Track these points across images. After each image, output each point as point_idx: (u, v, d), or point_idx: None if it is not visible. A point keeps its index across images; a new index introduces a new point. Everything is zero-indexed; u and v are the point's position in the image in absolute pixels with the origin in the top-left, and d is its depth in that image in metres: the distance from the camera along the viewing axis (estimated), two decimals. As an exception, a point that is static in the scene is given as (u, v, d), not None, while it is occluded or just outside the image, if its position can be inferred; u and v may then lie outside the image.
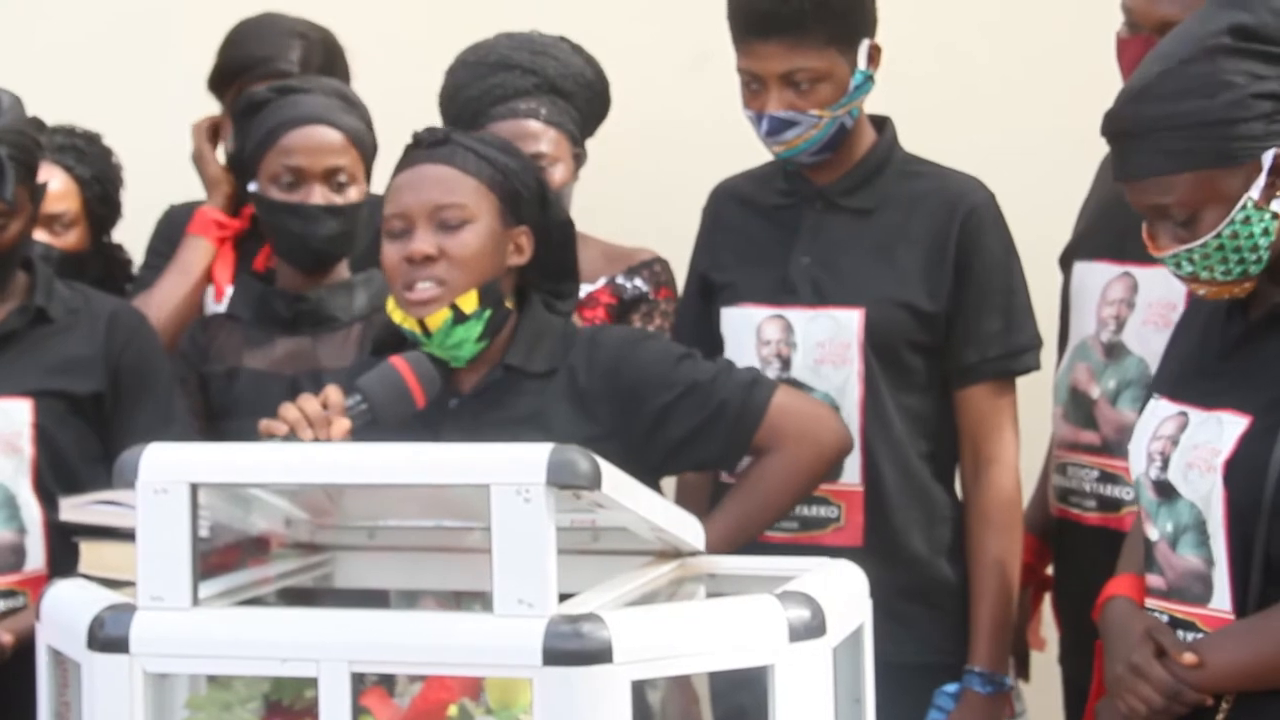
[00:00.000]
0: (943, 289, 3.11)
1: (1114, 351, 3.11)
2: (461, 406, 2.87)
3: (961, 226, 3.12)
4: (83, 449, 3.14)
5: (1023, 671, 3.34)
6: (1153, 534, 2.62)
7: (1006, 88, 3.89)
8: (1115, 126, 2.58)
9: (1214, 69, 2.48)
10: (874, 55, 3.10)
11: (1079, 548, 3.17)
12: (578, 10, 4.06)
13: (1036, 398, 3.27)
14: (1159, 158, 2.51)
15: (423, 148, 2.87)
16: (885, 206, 3.15)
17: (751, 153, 3.23)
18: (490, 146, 2.90)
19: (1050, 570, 3.34)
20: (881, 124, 3.22)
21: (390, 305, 2.86)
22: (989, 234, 3.14)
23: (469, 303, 2.82)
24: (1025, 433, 3.25)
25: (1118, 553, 2.94)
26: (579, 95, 3.43)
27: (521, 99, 3.37)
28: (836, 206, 3.15)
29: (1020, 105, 3.85)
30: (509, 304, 2.89)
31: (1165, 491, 2.59)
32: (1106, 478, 3.09)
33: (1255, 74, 2.47)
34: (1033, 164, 3.45)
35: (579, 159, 3.41)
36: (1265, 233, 2.50)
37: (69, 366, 3.16)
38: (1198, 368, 2.65)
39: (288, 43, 3.66)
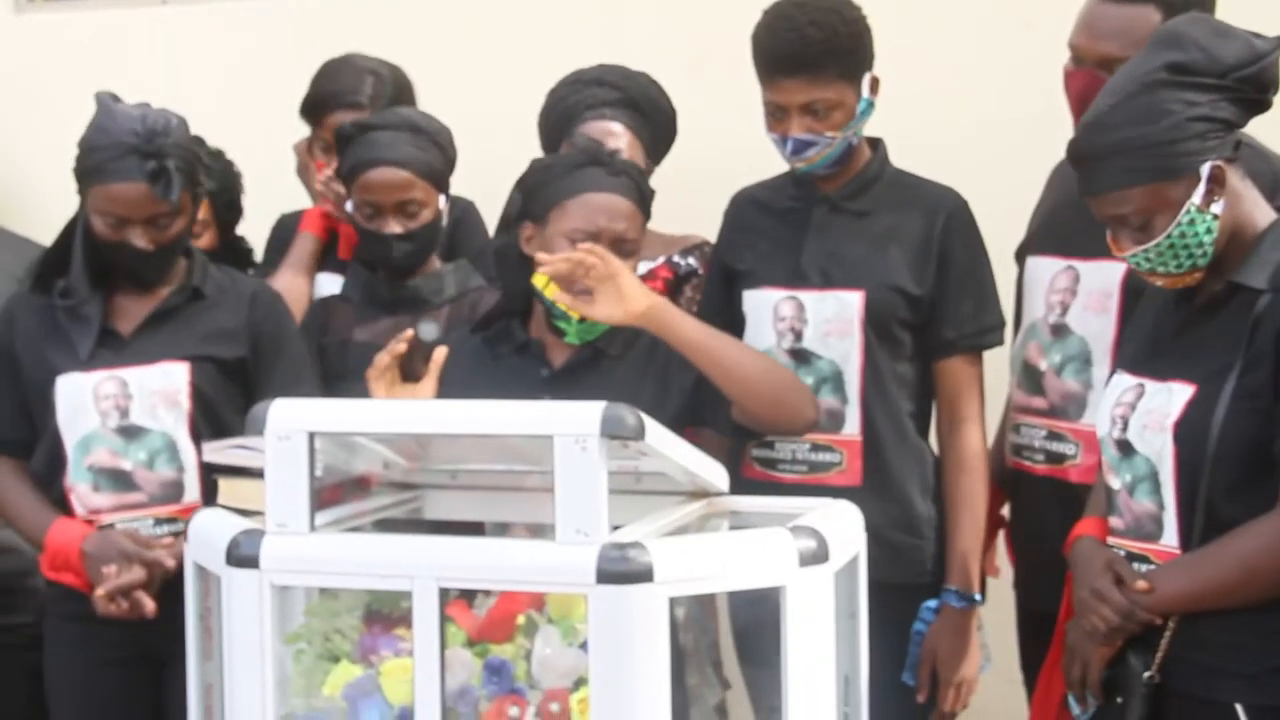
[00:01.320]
0: (927, 277, 3.08)
1: (1059, 332, 3.07)
2: (554, 377, 2.90)
3: (943, 227, 3.10)
4: (229, 403, 3.12)
5: (980, 594, 3.33)
6: (1114, 484, 2.61)
7: (977, 118, 3.86)
8: (1077, 152, 2.57)
9: (1154, 99, 2.47)
10: (874, 85, 3.09)
11: (1030, 494, 3.14)
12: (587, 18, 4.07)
13: (996, 369, 3.25)
14: (1115, 176, 2.50)
15: (604, 171, 2.88)
16: (879, 210, 3.12)
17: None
18: (644, 179, 2.95)
19: (1005, 512, 3.33)
20: (875, 143, 3.20)
21: (543, 282, 2.84)
22: (964, 233, 3.12)
23: None
24: (987, 397, 3.25)
25: (1063, 498, 2.97)
26: (654, 117, 3.41)
27: (609, 107, 3.35)
28: (840, 209, 3.13)
29: (986, 132, 3.83)
30: None
31: (1125, 449, 2.57)
32: (1053, 436, 3.06)
33: (1189, 101, 2.46)
34: (995, 178, 3.42)
35: (648, 169, 3.38)
36: (1208, 231, 2.49)
37: (218, 336, 3.15)
38: (1152, 347, 2.63)
39: (361, 79, 3.61)
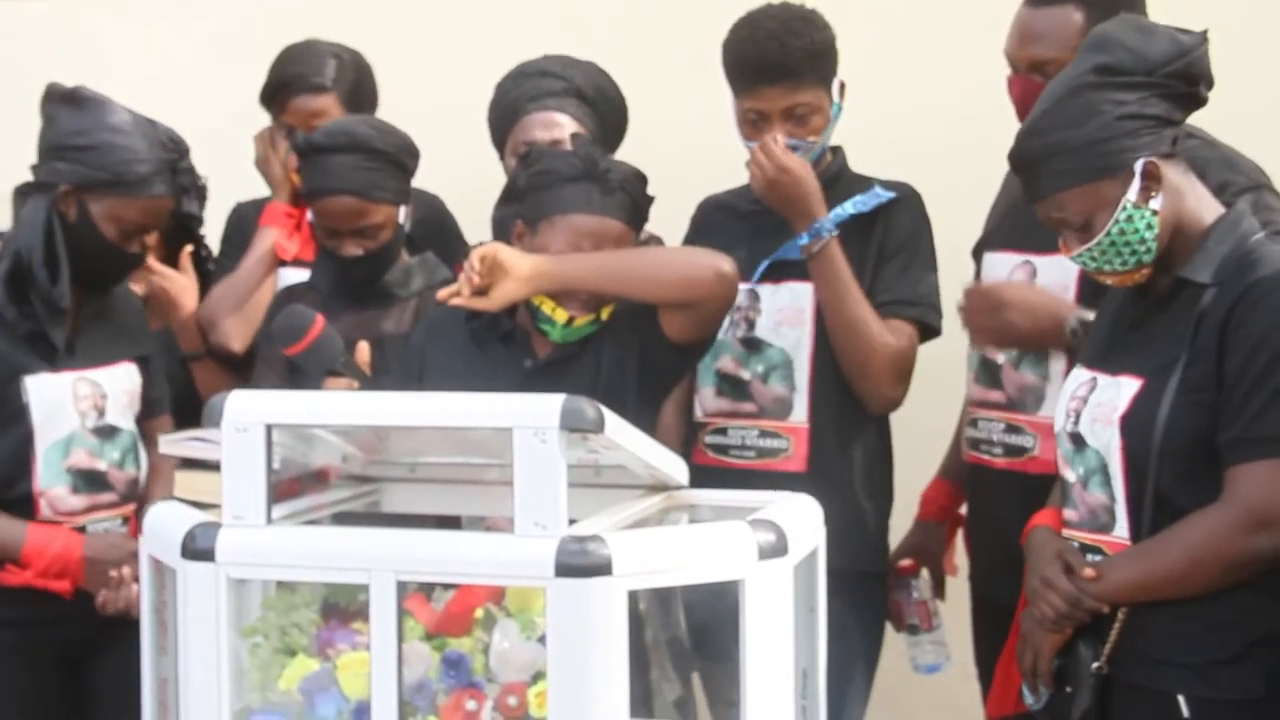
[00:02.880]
0: (868, 264, 3.11)
1: (1017, 326, 3.06)
2: (537, 369, 2.91)
3: (886, 210, 3.14)
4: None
5: (940, 592, 3.31)
6: (1069, 476, 2.60)
7: (934, 117, 3.85)
8: (1016, 160, 2.58)
9: (1082, 101, 2.47)
10: (842, 90, 3.14)
11: (987, 487, 3.13)
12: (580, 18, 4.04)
13: (955, 367, 3.22)
14: (1051, 179, 2.50)
15: (598, 189, 2.88)
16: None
17: (745, 150, 3.18)
18: (640, 190, 2.96)
19: (963, 511, 3.31)
20: (834, 149, 3.23)
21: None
22: (903, 212, 3.15)
23: (606, 312, 2.91)
24: (942, 396, 3.25)
25: (1022, 490, 2.95)
26: (601, 104, 3.39)
27: (552, 98, 3.33)
28: None
29: (943, 130, 3.81)
30: None
31: (1078, 442, 2.57)
32: (1012, 429, 3.04)
33: (1117, 100, 2.46)
34: (951, 176, 3.41)
35: None
36: (1149, 227, 2.48)
37: (136, 335, 3.15)
38: (1107, 343, 2.62)
39: (323, 62, 3.56)
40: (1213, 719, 2.43)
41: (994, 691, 2.81)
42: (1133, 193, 2.46)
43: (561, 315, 2.87)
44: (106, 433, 3.02)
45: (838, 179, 3.18)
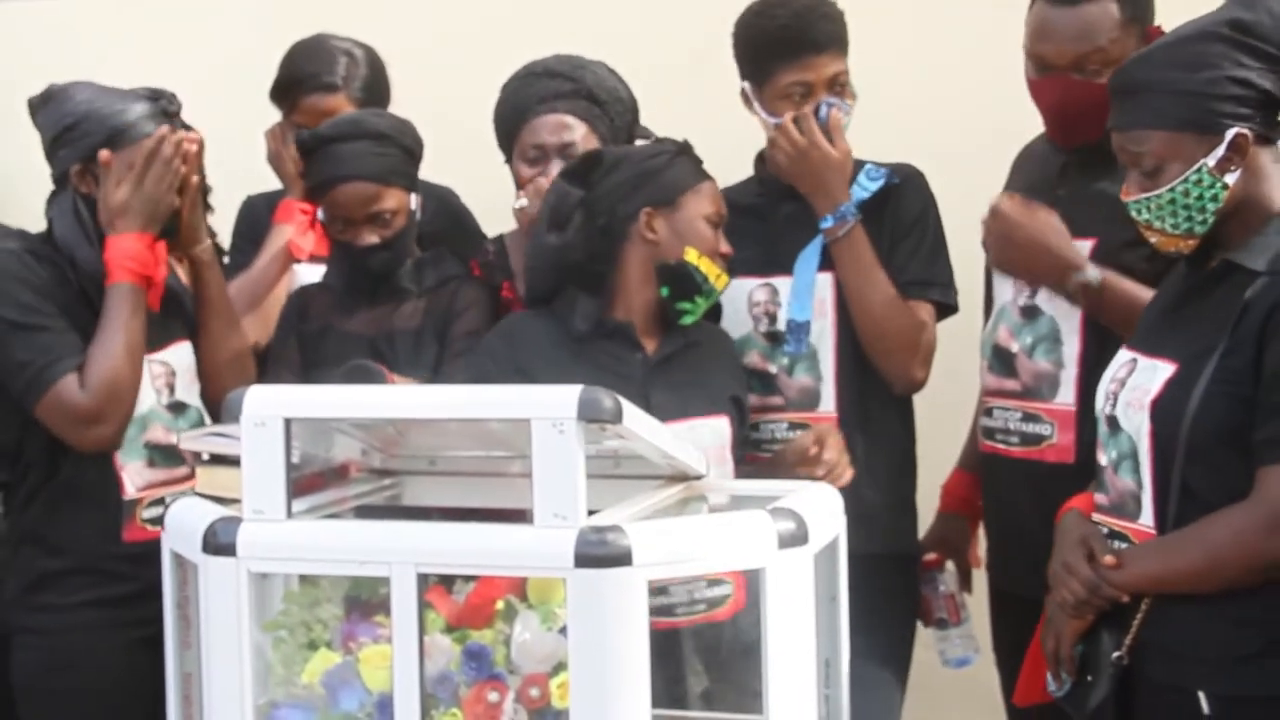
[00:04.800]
0: (881, 247, 3.07)
1: (1030, 313, 2.99)
2: (647, 364, 2.89)
3: (893, 193, 3.10)
4: None
5: (966, 585, 3.27)
6: (1103, 459, 2.52)
7: (941, 110, 3.81)
8: (1116, 82, 2.48)
9: (1204, 49, 2.37)
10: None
11: (1003, 477, 3.06)
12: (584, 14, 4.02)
13: (969, 355, 3.18)
14: (1141, 113, 2.40)
15: (698, 163, 2.98)
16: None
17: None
18: None
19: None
20: None
21: (696, 255, 2.89)
22: (910, 194, 3.11)
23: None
24: (957, 385, 3.21)
25: (1037, 480, 2.91)
26: (611, 105, 3.30)
27: (561, 100, 3.25)
28: (804, 200, 3.10)
29: (954, 119, 3.77)
30: None
31: (1112, 424, 2.48)
32: (1028, 417, 2.98)
33: (1238, 61, 2.35)
34: (963, 165, 3.37)
35: None
36: (1214, 198, 2.38)
37: (184, 312, 3.12)
38: (1153, 322, 2.54)
39: (334, 59, 3.50)
40: (1234, 716, 2.34)
41: (1023, 679, 2.72)
42: (1213, 159, 2.36)
43: (722, 282, 2.91)
44: (178, 409, 3.03)
45: None
